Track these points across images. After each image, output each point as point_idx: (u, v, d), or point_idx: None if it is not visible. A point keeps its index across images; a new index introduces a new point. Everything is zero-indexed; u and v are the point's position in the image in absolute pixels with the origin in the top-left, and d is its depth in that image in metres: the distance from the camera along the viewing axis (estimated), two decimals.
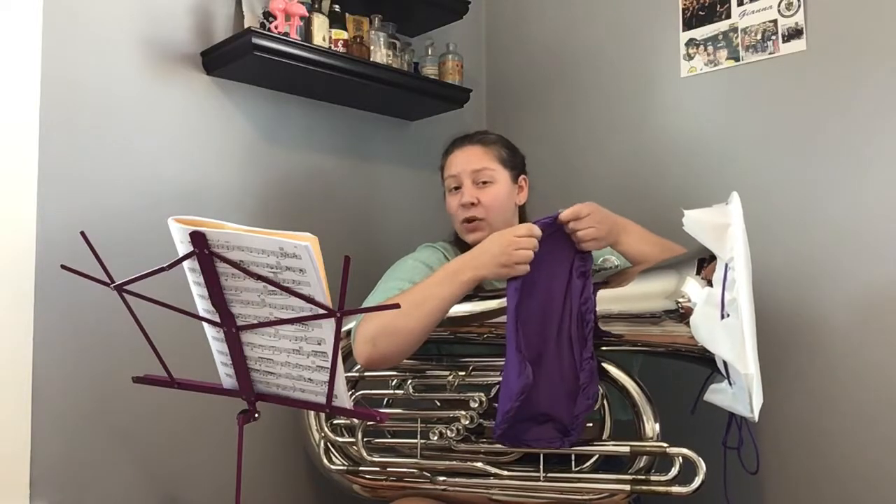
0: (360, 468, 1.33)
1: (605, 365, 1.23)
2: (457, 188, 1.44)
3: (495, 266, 1.20)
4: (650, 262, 1.27)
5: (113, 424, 1.40)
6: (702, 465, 1.12)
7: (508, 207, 1.45)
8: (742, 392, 1.04)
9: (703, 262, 1.15)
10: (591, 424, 1.22)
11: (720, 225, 1.08)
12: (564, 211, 1.22)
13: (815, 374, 1.46)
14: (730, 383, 1.10)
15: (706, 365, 1.16)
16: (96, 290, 1.03)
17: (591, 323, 1.19)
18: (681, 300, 1.14)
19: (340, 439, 1.34)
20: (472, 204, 1.40)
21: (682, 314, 1.14)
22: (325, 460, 1.36)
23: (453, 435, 1.23)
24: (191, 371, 1.10)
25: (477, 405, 1.23)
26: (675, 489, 1.13)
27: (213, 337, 1.02)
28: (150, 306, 0.97)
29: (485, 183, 1.42)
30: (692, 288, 1.14)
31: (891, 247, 1.37)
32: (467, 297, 1.26)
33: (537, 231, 1.21)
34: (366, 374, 1.36)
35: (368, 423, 1.30)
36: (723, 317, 1.05)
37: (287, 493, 1.66)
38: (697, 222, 1.12)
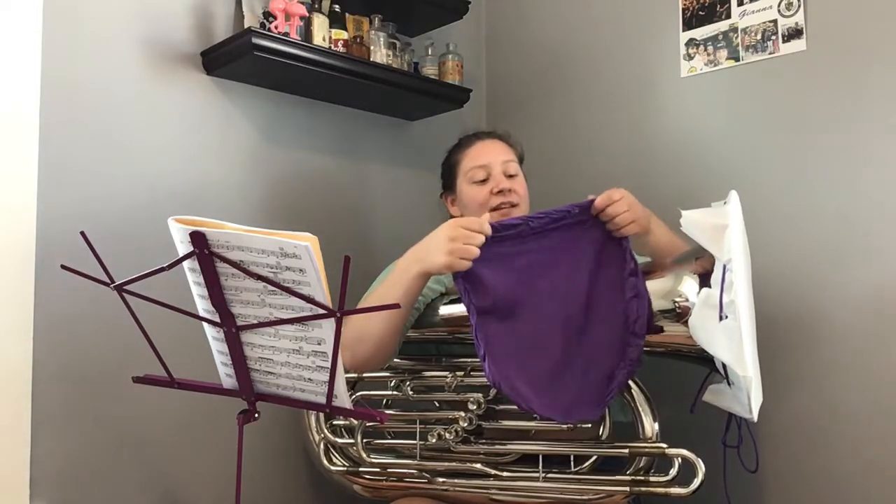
0: (360, 469, 1.33)
1: None
2: (483, 180, 1.41)
3: (439, 254, 1.11)
4: (678, 253, 1.24)
5: (113, 424, 1.40)
6: (701, 466, 1.12)
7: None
8: (741, 393, 1.04)
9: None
10: (589, 425, 1.22)
11: (718, 226, 1.07)
12: (598, 197, 1.18)
13: (814, 374, 1.46)
14: (729, 384, 1.09)
15: (705, 365, 1.16)
16: (96, 290, 1.03)
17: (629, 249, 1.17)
18: (678, 300, 1.14)
19: (340, 440, 1.34)
20: (510, 190, 1.39)
21: (679, 314, 1.14)
22: (325, 461, 1.36)
23: (452, 437, 1.23)
24: (191, 371, 1.10)
25: (475, 407, 1.23)
26: (675, 490, 1.13)
27: (213, 337, 1.02)
28: (150, 306, 0.97)
29: (511, 176, 1.42)
30: (690, 287, 1.14)
31: (891, 246, 1.38)
32: None
33: (487, 228, 1.14)
34: (365, 374, 1.36)
35: (368, 423, 1.30)
36: (721, 318, 1.05)
37: (287, 493, 1.66)
38: (695, 223, 1.11)
